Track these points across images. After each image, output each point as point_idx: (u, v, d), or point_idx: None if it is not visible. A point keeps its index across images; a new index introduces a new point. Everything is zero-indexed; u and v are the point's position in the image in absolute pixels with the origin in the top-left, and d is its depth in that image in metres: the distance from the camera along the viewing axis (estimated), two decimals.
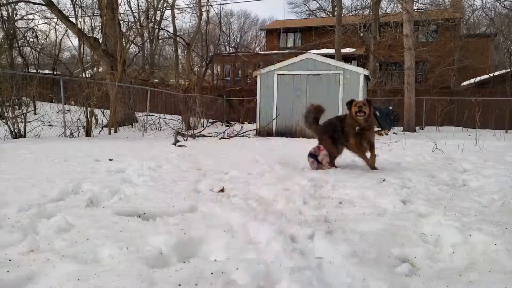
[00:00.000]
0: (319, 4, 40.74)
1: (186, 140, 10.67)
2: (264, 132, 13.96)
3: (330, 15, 35.63)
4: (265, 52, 30.70)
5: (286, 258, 2.05)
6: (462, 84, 24.37)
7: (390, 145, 8.85)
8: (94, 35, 15.65)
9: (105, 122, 14.81)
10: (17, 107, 12.58)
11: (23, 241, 2.13)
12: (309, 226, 2.59)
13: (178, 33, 28.56)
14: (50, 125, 12.86)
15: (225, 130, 14.33)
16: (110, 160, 5.79)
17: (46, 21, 22.51)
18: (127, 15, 26.40)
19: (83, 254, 2.05)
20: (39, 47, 24.18)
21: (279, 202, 3.31)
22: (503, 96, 20.06)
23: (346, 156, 5.79)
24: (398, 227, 2.61)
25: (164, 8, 28.77)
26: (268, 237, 2.32)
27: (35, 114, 15.37)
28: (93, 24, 16.63)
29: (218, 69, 32.35)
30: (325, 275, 1.92)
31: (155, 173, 4.69)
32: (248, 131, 13.77)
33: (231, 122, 20.39)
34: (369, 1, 25.47)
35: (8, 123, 9.93)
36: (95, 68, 16.79)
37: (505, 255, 2.10)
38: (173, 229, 2.47)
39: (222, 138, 11.69)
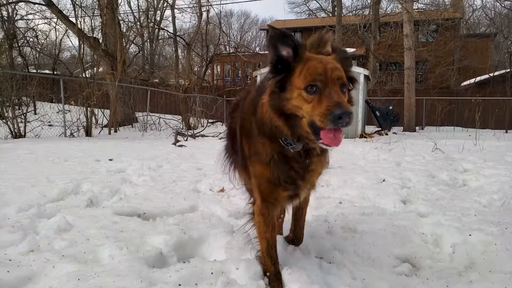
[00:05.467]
0: (319, 4, 40.71)
1: (186, 140, 10.67)
2: None
3: (330, 15, 35.60)
4: (265, 52, 30.68)
5: (287, 258, 2.05)
6: (462, 84, 24.37)
7: (390, 145, 8.85)
8: (94, 35, 15.65)
9: (105, 122, 14.80)
10: (17, 107, 12.57)
11: (23, 241, 2.13)
12: (309, 226, 2.59)
13: (178, 33, 28.57)
14: (50, 125, 12.86)
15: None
16: (110, 160, 5.79)
17: (46, 21, 22.51)
18: (127, 15, 26.39)
19: (83, 254, 2.05)
20: (39, 47, 24.18)
21: None
22: (503, 96, 20.06)
23: (345, 156, 5.75)
24: (398, 227, 2.61)
25: (164, 8, 28.77)
26: None
27: (35, 114, 15.36)
28: (93, 24, 16.61)
29: (218, 69, 32.34)
30: (325, 275, 1.92)
31: (155, 173, 4.69)
32: None
33: None
34: (369, 1, 25.47)
35: (8, 123, 9.93)
36: (95, 68, 16.79)
37: (505, 255, 2.10)
38: (173, 229, 2.47)
39: (222, 138, 11.69)
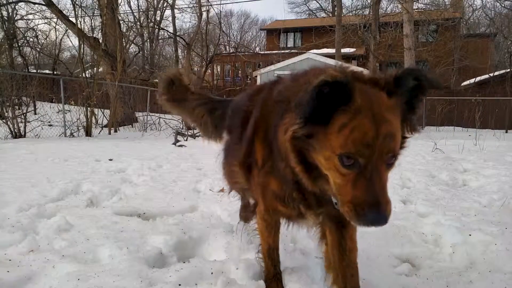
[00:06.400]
0: (319, 4, 40.72)
1: (186, 140, 10.67)
2: None
3: (330, 15, 35.60)
4: (265, 52, 30.69)
5: (287, 258, 2.05)
6: (462, 84, 24.37)
7: None
8: (94, 35, 15.65)
9: (105, 122, 14.80)
10: (17, 107, 12.57)
11: (23, 241, 2.13)
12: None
13: (178, 33, 28.55)
14: (50, 125, 12.86)
15: None
16: (110, 160, 5.79)
17: (46, 21, 22.50)
18: (127, 15, 26.37)
19: (83, 254, 2.05)
20: (39, 47, 24.20)
21: None
22: (503, 96, 20.06)
23: None
24: (398, 227, 2.61)
25: (164, 8, 28.74)
26: None
27: (35, 114, 15.35)
28: (93, 24, 16.63)
29: (218, 69, 32.33)
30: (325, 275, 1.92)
31: (155, 173, 4.69)
32: None
33: None
34: (369, 1, 25.47)
35: (8, 123, 9.93)
36: (95, 68, 16.78)
37: (505, 255, 2.10)
38: (173, 229, 2.47)
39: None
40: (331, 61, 13.67)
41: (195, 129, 15.41)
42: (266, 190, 1.55)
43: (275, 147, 1.38)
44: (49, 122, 13.57)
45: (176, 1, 26.73)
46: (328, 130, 1.12)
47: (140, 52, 29.23)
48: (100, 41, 15.41)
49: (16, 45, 21.66)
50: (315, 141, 1.16)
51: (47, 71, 23.79)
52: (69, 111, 12.11)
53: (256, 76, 14.87)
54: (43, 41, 24.67)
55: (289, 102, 1.26)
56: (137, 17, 27.41)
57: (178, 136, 10.53)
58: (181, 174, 4.69)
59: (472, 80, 23.82)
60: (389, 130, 1.10)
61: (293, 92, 1.28)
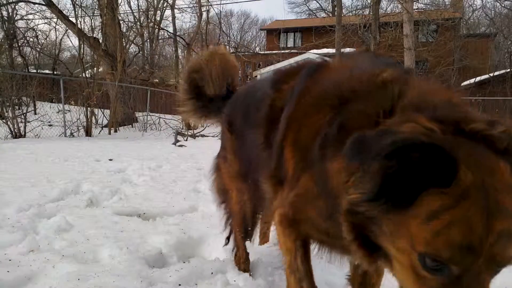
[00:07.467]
0: (319, 4, 40.71)
1: (186, 140, 10.68)
2: None
3: (330, 15, 35.60)
4: (265, 52, 30.71)
5: None
6: (462, 84, 24.37)
7: None
8: (94, 35, 15.65)
9: (105, 122, 14.80)
10: (17, 107, 12.58)
11: (23, 241, 2.13)
12: None
13: (178, 33, 28.55)
14: (50, 125, 12.86)
15: None
16: (110, 160, 5.80)
17: (46, 21, 22.50)
18: (127, 15, 26.33)
19: (83, 254, 2.05)
20: (39, 47, 24.21)
21: None
22: (503, 96, 20.06)
23: None
24: None
25: (164, 8, 28.72)
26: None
27: (35, 114, 15.34)
28: (93, 24, 16.62)
29: None
30: (325, 275, 1.92)
31: (155, 173, 4.69)
32: None
33: None
34: (369, 1, 25.47)
35: (8, 123, 9.94)
36: (95, 68, 16.78)
37: None
38: (173, 229, 2.47)
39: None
40: None
41: (195, 128, 15.42)
42: (300, 211, 1.20)
43: (322, 177, 1.01)
44: (49, 122, 13.57)
45: (176, 1, 26.75)
46: (408, 212, 0.73)
47: (140, 52, 29.23)
48: (100, 41, 15.42)
49: (16, 45, 21.65)
50: (384, 221, 0.78)
51: (47, 71, 23.78)
52: (69, 111, 12.12)
53: (256, 76, 14.85)
54: (43, 41, 24.67)
55: (349, 129, 0.89)
56: (137, 17, 27.38)
57: (178, 136, 10.54)
58: (181, 174, 4.70)
59: (472, 80, 23.83)
60: (508, 226, 0.70)
61: (359, 114, 0.92)
